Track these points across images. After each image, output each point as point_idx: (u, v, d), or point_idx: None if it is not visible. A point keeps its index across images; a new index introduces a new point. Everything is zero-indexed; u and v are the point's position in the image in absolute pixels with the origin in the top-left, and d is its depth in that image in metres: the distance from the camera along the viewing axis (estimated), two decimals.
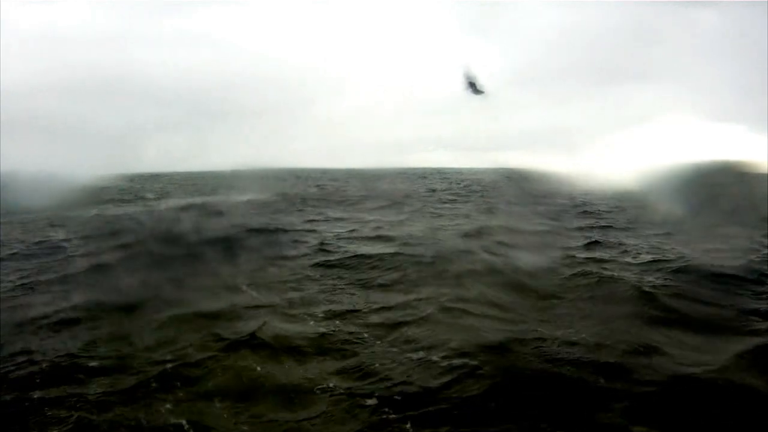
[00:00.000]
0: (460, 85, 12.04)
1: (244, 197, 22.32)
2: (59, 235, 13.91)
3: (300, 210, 19.49)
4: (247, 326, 6.32)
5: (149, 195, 30.12)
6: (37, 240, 13.10)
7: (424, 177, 52.19)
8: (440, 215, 18.16)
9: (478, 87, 11.96)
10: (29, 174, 25.60)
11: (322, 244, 11.67)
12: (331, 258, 10.27)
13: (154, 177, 55.50)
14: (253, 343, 5.77)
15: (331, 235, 13.20)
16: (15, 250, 11.79)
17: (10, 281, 8.94)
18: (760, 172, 28.03)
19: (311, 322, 6.63)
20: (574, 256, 10.19)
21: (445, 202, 24.13)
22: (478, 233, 12.99)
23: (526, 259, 9.55)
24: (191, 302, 7.39)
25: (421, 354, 5.51)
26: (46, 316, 6.89)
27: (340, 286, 8.40)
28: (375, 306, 7.25)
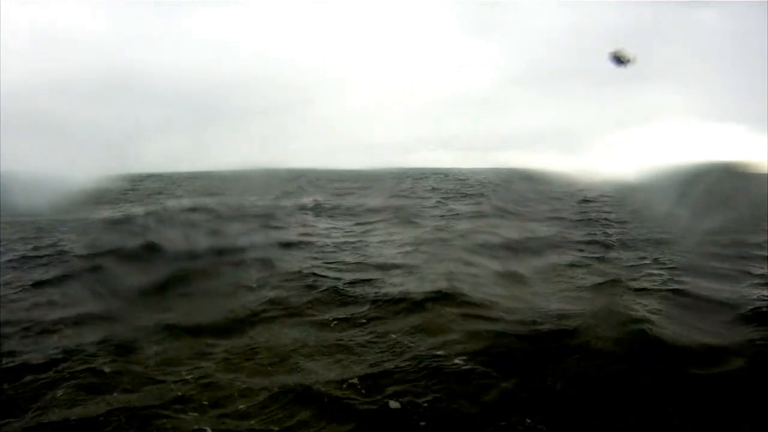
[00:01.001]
0: (607, 60, 12.31)
1: (250, 199, 22.04)
2: (61, 239, 13.66)
3: (307, 214, 19.23)
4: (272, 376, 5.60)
5: (151, 196, 29.82)
6: (39, 245, 12.84)
7: (426, 177, 51.89)
8: (452, 217, 17.91)
9: (630, 58, 12.19)
10: (29, 175, 25.27)
11: (341, 263, 10.61)
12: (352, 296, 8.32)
13: (156, 177, 55.05)
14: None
15: (347, 249, 12.20)
16: (18, 255, 11.54)
17: (15, 288, 8.70)
18: (760, 172, 27.85)
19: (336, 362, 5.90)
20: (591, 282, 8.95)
21: (450, 199, 23.91)
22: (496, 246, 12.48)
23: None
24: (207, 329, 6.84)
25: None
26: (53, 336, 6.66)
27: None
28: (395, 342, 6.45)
